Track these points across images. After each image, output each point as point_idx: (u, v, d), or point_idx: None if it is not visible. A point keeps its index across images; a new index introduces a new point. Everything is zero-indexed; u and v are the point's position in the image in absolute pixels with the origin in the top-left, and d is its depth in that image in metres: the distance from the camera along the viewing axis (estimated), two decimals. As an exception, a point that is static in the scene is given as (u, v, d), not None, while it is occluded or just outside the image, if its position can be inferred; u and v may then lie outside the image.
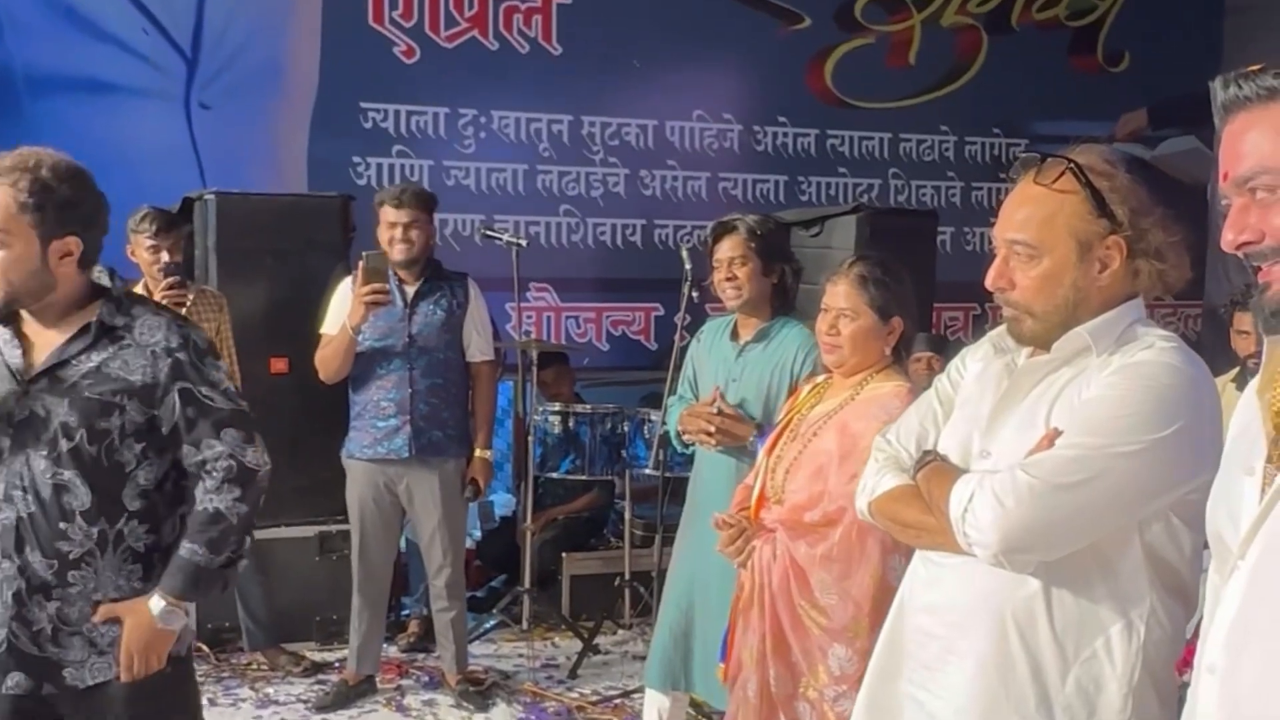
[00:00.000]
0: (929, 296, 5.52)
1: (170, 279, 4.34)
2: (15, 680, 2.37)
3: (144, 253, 4.47)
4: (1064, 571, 2.00)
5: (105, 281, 2.43)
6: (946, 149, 7.12)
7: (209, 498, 2.40)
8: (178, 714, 2.52)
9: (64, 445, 2.33)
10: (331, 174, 5.86)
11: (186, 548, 2.40)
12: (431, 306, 4.46)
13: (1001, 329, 2.19)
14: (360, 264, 4.22)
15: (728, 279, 3.61)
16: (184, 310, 4.33)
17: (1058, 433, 1.98)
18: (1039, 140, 7.09)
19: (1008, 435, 2.08)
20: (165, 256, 4.42)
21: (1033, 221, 2.04)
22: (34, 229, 2.27)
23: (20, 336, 2.38)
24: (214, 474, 2.41)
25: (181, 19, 5.76)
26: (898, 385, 2.86)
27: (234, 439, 2.41)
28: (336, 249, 4.99)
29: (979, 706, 2.06)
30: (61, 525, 2.34)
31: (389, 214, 4.39)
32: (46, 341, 2.37)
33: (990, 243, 2.12)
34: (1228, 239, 1.47)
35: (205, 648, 4.89)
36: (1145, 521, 1.99)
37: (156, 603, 2.39)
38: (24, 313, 2.39)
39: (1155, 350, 2.00)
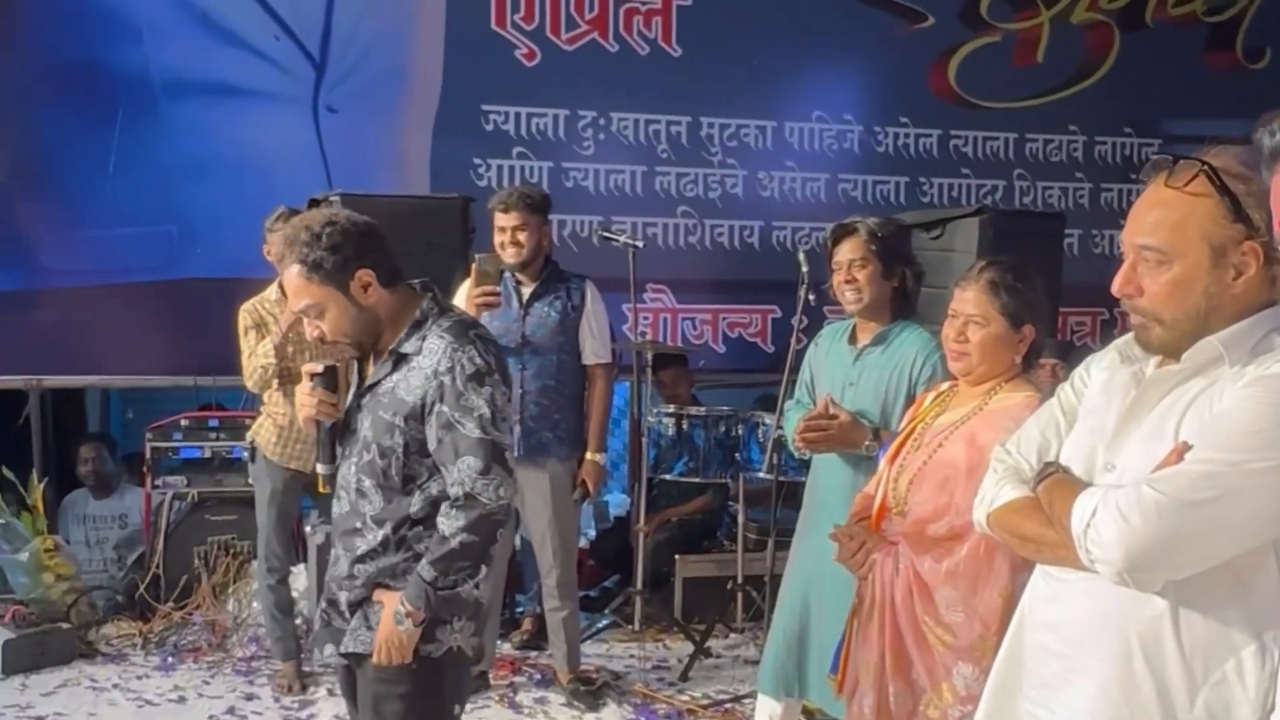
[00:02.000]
0: (1054, 301, 5.37)
1: None
2: (329, 651, 2.67)
3: (277, 251, 4.59)
4: (1194, 591, 1.91)
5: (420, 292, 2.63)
6: (1075, 149, 6.92)
7: (442, 520, 2.52)
8: (414, 708, 2.59)
9: (365, 456, 2.58)
10: (453, 175, 5.93)
11: (423, 563, 2.53)
12: (546, 308, 4.48)
13: (1129, 337, 2.10)
14: (473, 266, 4.25)
15: (847, 282, 3.55)
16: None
17: (1187, 446, 1.89)
18: (1173, 140, 6.85)
19: (1134, 448, 2.00)
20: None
21: (1163, 226, 1.96)
22: (328, 285, 2.49)
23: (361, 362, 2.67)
24: (450, 498, 2.52)
25: (311, 25, 5.89)
26: (1028, 395, 2.76)
27: (469, 467, 2.49)
28: (457, 250, 4.98)
29: (1102, 727, 1.99)
30: (357, 525, 2.60)
31: (498, 218, 4.43)
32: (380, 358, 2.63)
33: (1121, 245, 2.04)
34: None
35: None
36: (1281, 540, 1.90)
37: (398, 602, 2.55)
38: None
39: (1293, 362, 1.90)
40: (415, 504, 2.56)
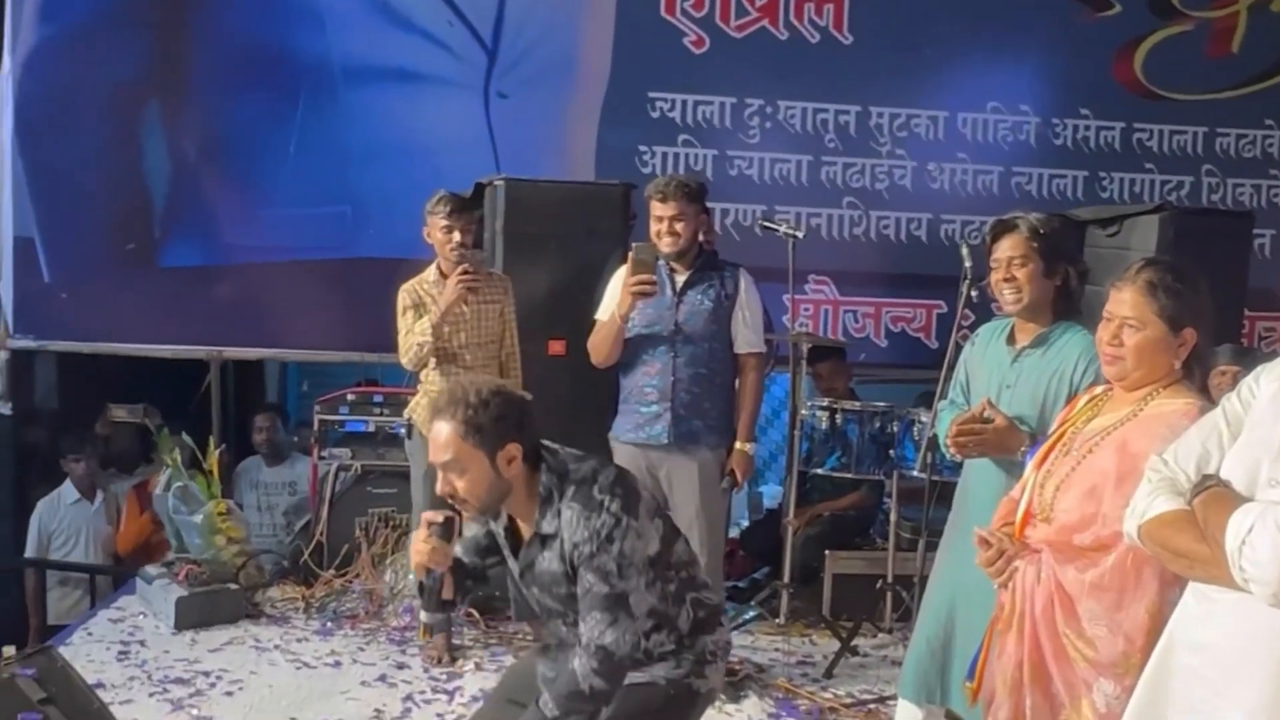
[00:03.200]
0: (1239, 304, 5.11)
1: (464, 271, 4.49)
2: None
3: (438, 233, 4.65)
4: (1359, 619, 1.80)
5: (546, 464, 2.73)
6: (1270, 145, 6.53)
7: (576, 663, 2.67)
8: None
9: (557, 620, 2.81)
10: (618, 162, 5.98)
11: (545, 697, 2.68)
12: (699, 296, 4.45)
13: (1302, 346, 1.98)
14: (630, 255, 4.26)
15: (1006, 280, 3.41)
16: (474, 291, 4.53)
17: (1357, 465, 1.77)
18: (1381, 137, 6.40)
19: (1301, 464, 1.88)
20: (457, 237, 4.59)
21: None
22: (479, 449, 2.62)
23: (511, 522, 2.81)
24: (584, 645, 2.67)
25: (484, 11, 6.00)
26: (1187, 403, 2.61)
27: (597, 621, 2.65)
28: (616, 236, 5.04)
29: (1249, 758, 1.88)
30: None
31: (655, 207, 4.41)
32: (524, 532, 2.78)
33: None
34: None
35: (475, 613, 5.11)
36: None
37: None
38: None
39: None
40: (640, 621, 2.74)
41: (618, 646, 2.64)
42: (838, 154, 6.25)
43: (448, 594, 2.78)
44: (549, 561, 2.71)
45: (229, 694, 4.36)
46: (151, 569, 5.22)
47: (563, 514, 2.67)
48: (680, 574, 2.83)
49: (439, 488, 2.69)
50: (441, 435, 2.64)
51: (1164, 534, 2.07)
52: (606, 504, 2.65)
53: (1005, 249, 3.43)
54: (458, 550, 2.85)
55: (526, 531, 2.76)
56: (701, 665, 2.83)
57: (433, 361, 4.61)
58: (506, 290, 4.77)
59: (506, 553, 2.85)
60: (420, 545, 2.72)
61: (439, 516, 2.73)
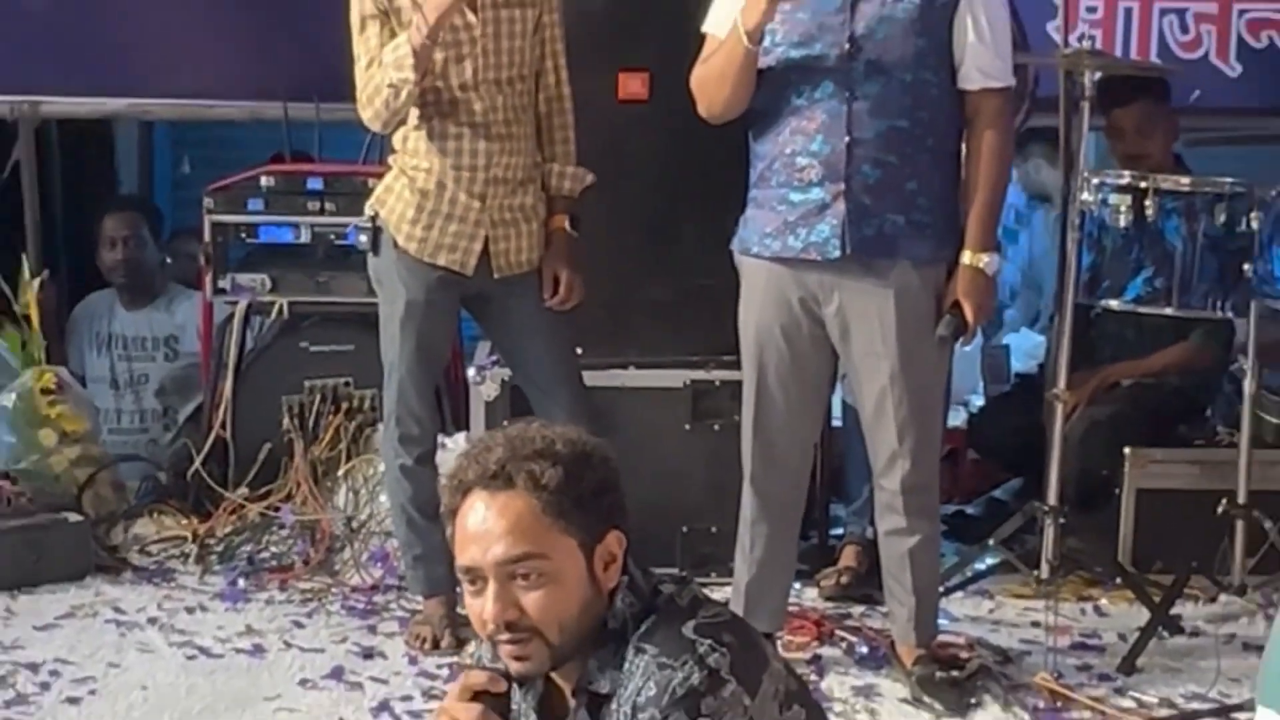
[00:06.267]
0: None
1: None
2: None
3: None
4: None
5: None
6: None
7: None
8: None
9: None
10: None
11: None
12: (893, -9, 3.46)
13: None
14: None
15: None
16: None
17: None
18: None
19: None
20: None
21: None
22: (573, 536, 1.89)
23: (547, 681, 2.05)
24: None
25: None
26: None
27: None
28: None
29: None
30: None
31: None
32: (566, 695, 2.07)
33: None
34: None
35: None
36: None
37: None
38: None
39: None
40: None
41: None
42: None
43: None
44: None
45: (72, 701, 3.17)
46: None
47: (628, 661, 1.90)
48: None
49: (488, 611, 1.85)
50: (506, 513, 1.85)
51: None
52: (702, 654, 1.83)
53: None
54: None
55: (568, 699, 2.02)
56: None
57: (414, 116, 3.36)
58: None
59: None
60: (461, 714, 1.91)
61: (501, 683, 1.91)
